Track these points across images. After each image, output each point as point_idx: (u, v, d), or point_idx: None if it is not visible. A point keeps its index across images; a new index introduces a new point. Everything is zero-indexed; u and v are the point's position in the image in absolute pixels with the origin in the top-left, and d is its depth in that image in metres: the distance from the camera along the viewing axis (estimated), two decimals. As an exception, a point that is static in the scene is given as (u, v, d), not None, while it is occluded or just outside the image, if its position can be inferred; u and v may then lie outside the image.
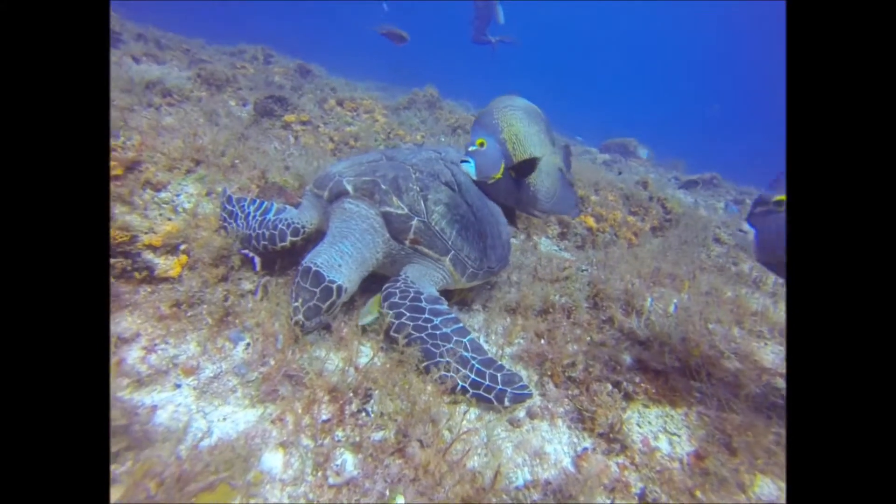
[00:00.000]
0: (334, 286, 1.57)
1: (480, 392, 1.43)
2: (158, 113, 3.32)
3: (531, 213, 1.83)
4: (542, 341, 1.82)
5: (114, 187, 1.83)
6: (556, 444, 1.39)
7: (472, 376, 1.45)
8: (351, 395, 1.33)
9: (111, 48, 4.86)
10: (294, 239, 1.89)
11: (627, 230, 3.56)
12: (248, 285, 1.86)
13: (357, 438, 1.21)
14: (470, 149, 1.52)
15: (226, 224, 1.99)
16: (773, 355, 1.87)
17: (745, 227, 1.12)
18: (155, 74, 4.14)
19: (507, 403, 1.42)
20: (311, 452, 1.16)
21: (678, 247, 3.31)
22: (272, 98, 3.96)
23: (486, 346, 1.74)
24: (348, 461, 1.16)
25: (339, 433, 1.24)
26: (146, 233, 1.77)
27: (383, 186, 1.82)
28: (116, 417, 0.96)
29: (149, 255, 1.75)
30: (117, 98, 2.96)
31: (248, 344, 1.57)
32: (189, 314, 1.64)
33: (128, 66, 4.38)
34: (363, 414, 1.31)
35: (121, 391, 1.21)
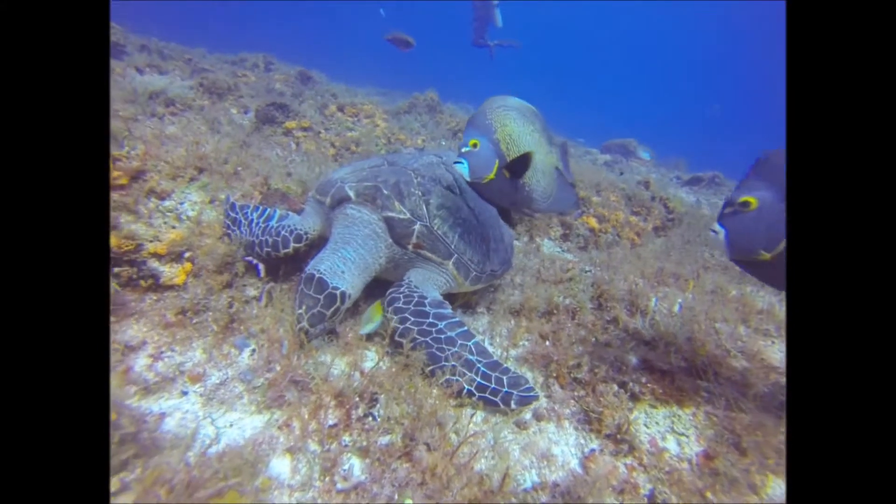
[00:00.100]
0: (338, 292, 1.57)
1: (486, 395, 1.43)
2: (162, 122, 3.36)
3: (525, 213, 1.82)
4: (547, 343, 1.81)
5: (119, 196, 1.84)
6: (563, 446, 1.39)
7: (478, 379, 1.45)
8: (357, 399, 1.33)
9: (115, 60, 4.92)
10: (297, 245, 1.90)
11: (630, 230, 3.55)
12: (252, 292, 1.87)
13: (364, 443, 1.21)
14: (463, 150, 1.52)
15: (229, 231, 2.00)
16: (780, 353, 1.85)
17: (717, 227, 1.16)
18: (158, 84, 4.19)
19: (513, 406, 1.42)
20: (319, 457, 1.16)
21: (681, 246, 3.30)
22: (273, 105, 3.99)
23: (490, 349, 1.74)
24: (356, 466, 1.16)
25: (346, 438, 1.24)
26: (151, 241, 1.78)
27: (385, 191, 1.83)
28: (125, 425, 0.97)
29: (154, 264, 1.76)
30: (121, 109, 2.99)
31: (254, 350, 1.57)
32: (194, 321, 1.65)
33: (131, 77, 4.43)
34: (369, 418, 1.31)
35: (129, 399, 1.21)
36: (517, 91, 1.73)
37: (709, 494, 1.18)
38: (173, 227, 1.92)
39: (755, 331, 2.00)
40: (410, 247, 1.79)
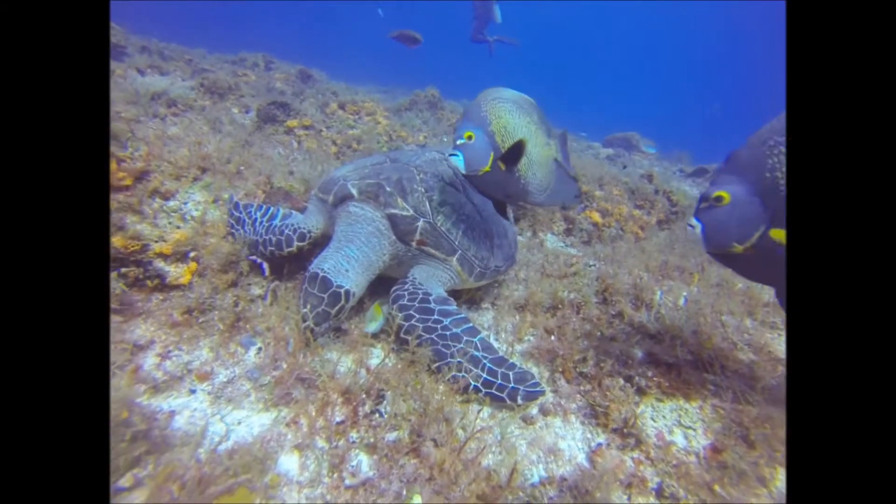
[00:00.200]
0: (342, 291, 1.58)
1: (493, 391, 1.43)
2: (164, 123, 3.36)
3: (521, 206, 1.81)
4: (553, 338, 1.81)
5: (124, 197, 1.85)
6: (569, 441, 1.39)
7: (485, 375, 1.45)
8: (364, 396, 1.34)
9: (117, 61, 4.93)
10: (300, 244, 1.90)
11: (633, 224, 3.53)
12: (257, 290, 1.88)
13: (371, 439, 1.21)
14: (458, 142, 1.51)
15: (233, 230, 2.01)
16: (787, 346, 1.84)
17: (693, 221, 1.19)
18: (160, 85, 4.19)
19: (520, 401, 1.42)
20: (327, 454, 1.17)
21: (685, 239, 3.28)
22: (274, 104, 3.99)
23: (496, 345, 1.74)
24: (363, 462, 1.17)
25: (354, 434, 1.24)
26: (157, 241, 1.79)
27: (388, 188, 1.82)
28: (137, 422, 0.98)
29: (160, 264, 1.77)
30: (124, 110, 3.00)
31: (260, 348, 1.58)
32: (201, 320, 1.66)
33: (133, 79, 4.44)
34: (376, 415, 1.31)
35: (139, 397, 1.22)
36: (517, 89, 1.71)
37: (717, 488, 1.17)
38: (178, 228, 1.92)
39: (762, 323, 1.99)
40: (414, 244, 1.79)
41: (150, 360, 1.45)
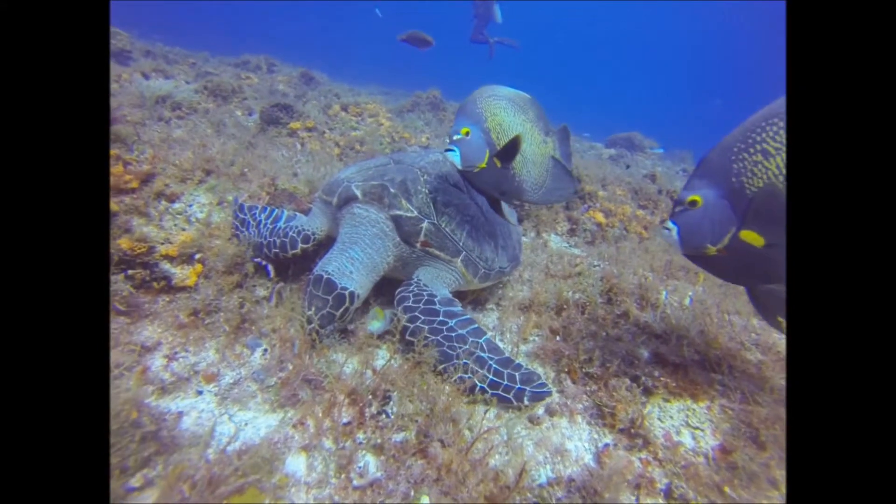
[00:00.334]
0: (346, 293, 1.58)
1: (499, 392, 1.43)
2: (168, 126, 3.38)
3: (516, 204, 1.82)
4: (558, 338, 1.81)
5: (130, 200, 1.86)
6: (576, 441, 1.38)
7: (491, 376, 1.45)
8: (370, 397, 1.34)
9: (122, 66, 4.97)
10: (305, 246, 1.91)
11: (637, 224, 3.52)
12: (262, 292, 1.88)
13: (378, 440, 1.21)
14: (454, 137, 1.51)
15: (238, 232, 2.02)
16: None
17: (669, 225, 1.23)
18: (164, 89, 4.22)
19: (526, 402, 1.42)
20: (334, 455, 1.17)
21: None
22: (277, 106, 4.01)
23: (501, 345, 1.73)
24: (371, 463, 1.17)
25: (361, 435, 1.24)
26: (163, 243, 1.80)
27: (392, 190, 1.83)
28: (146, 423, 0.98)
29: (166, 265, 1.78)
30: (129, 113, 3.02)
31: (266, 350, 1.58)
32: (206, 322, 1.66)
33: (138, 83, 4.47)
34: (383, 416, 1.31)
35: (147, 398, 1.23)
36: (518, 88, 1.71)
37: (727, 489, 1.17)
38: (183, 230, 1.93)
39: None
40: (418, 245, 1.79)
41: (157, 362, 1.45)
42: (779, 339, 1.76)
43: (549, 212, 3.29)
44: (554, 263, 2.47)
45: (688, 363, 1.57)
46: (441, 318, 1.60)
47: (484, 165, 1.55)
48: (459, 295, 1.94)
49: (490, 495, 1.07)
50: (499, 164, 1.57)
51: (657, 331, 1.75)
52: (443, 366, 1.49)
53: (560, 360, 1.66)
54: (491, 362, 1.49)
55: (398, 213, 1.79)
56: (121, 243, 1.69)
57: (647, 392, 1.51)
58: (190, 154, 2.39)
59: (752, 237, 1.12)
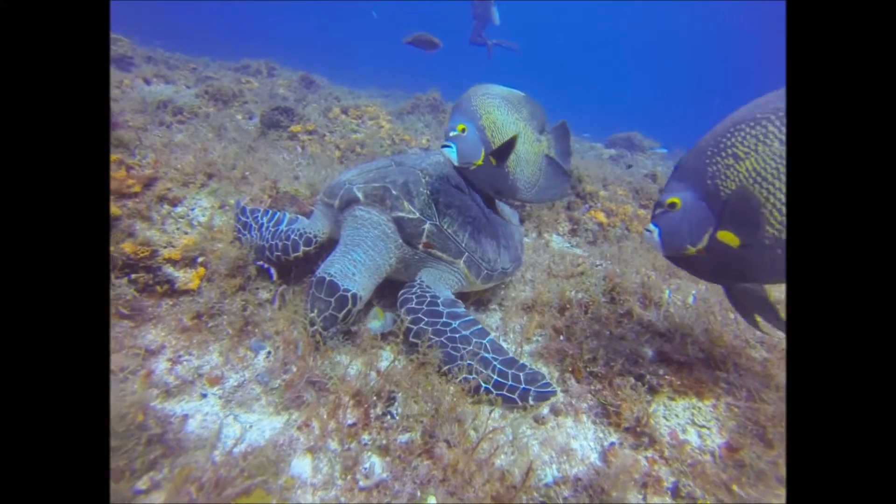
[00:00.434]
0: (349, 295, 1.58)
1: (504, 392, 1.42)
2: (170, 131, 3.40)
3: (509, 202, 1.83)
4: (561, 337, 1.80)
5: (133, 204, 1.87)
6: (581, 440, 1.38)
7: (495, 377, 1.45)
8: (374, 398, 1.34)
9: (124, 72, 5.00)
10: (307, 249, 1.91)
11: (639, 224, 3.52)
12: (265, 294, 1.89)
13: (384, 441, 1.21)
14: (451, 133, 1.52)
15: (240, 235, 2.02)
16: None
17: (651, 227, 1.25)
18: (165, 94, 4.24)
19: (531, 402, 1.41)
20: (339, 456, 1.17)
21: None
22: (278, 110, 4.02)
23: (505, 345, 1.73)
24: (376, 464, 1.16)
25: (366, 437, 1.24)
26: (165, 247, 1.80)
27: (394, 192, 1.83)
28: (152, 426, 0.98)
29: (169, 269, 1.78)
30: (131, 119, 3.04)
31: (269, 352, 1.58)
32: (210, 325, 1.67)
33: (140, 88, 4.50)
34: (388, 417, 1.31)
35: (152, 401, 1.23)
36: (517, 89, 1.72)
37: (735, 487, 1.16)
38: (186, 233, 1.94)
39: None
40: (421, 246, 1.79)
41: (161, 365, 1.45)
42: (784, 337, 1.75)
43: (550, 212, 3.29)
44: (556, 263, 2.47)
45: (692, 361, 1.57)
46: (444, 319, 1.60)
47: (480, 163, 1.55)
48: (462, 296, 1.93)
49: (497, 495, 1.06)
50: (494, 163, 1.58)
51: (661, 329, 1.74)
52: (447, 367, 1.49)
53: (564, 359, 1.66)
54: (495, 363, 1.49)
55: (400, 214, 1.79)
56: (124, 247, 1.69)
57: (652, 391, 1.51)
58: (191, 158, 2.40)
59: (728, 237, 1.16)
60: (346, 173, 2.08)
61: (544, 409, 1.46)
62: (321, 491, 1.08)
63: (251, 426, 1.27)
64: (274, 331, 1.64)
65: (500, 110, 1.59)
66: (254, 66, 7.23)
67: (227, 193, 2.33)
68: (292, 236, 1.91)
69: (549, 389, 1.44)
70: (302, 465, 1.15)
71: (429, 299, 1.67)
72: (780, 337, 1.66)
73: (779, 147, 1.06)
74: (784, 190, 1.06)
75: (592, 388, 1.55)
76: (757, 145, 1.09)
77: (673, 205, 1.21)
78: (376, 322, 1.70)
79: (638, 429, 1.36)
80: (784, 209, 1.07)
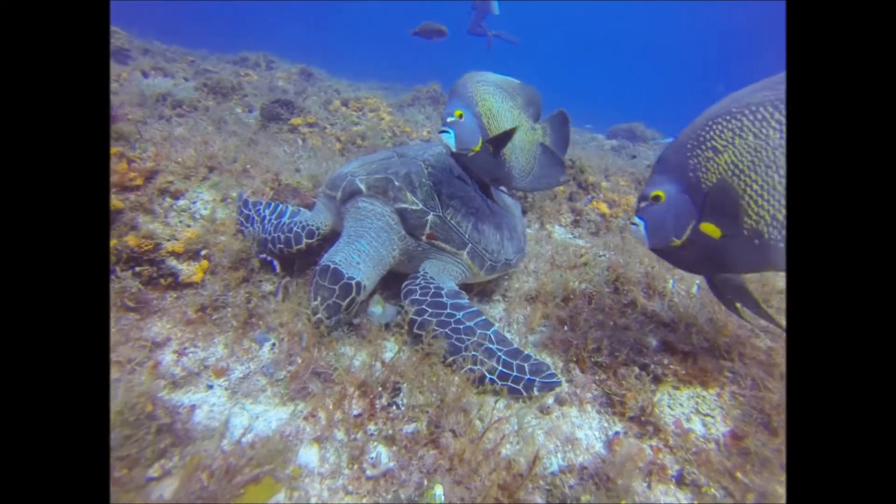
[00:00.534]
0: (353, 283, 1.57)
1: (509, 383, 1.43)
2: (169, 124, 3.38)
3: (503, 189, 1.84)
4: (566, 328, 1.80)
5: (135, 197, 1.86)
6: (586, 430, 1.39)
7: (500, 368, 1.45)
8: (380, 389, 1.34)
9: (121, 64, 4.95)
10: (309, 241, 1.90)
11: (642, 214, 3.50)
12: (268, 287, 1.89)
13: (390, 431, 1.22)
14: (449, 119, 1.51)
15: (243, 228, 2.02)
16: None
17: (636, 220, 1.26)
18: (164, 87, 4.21)
19: (536, 392, 1.42)
20: (346, 446, 1.17)
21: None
22: (278, 102, 3.99)
23: (509, 336, 1.73)
24: (383, 454, 1.17)
25: (372, 427, 1.25)
26: (168, 240, 1.80)
27: (396, 183, 1.82)
28: (161, 416, 0.99)
29: (172, 262, 1.78)
30: (131, 112, 3.02)
31: (274, 344, 1.59)
32: (214, 317, 1.67)
33: (138, 81, 4.46)
34: (394, 407, 1.31)
35: (160, 392, 1.24)
36: (518, 79, 1.71)
37: (739, 475, 1.17)
38: (188, 226, 1.93)
39: (777, 311, 1.96)
40: (424, 238, 1.78)
41: (167, 357, 1.46)
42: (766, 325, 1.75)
43: (552, 203, 3.27)
44: (559, 254, 2.46)
45: (697, 351, 1.57)
46: (449, 310, 1.60)
47: (478, 149, 1.55)
48: (466, 287, 1.93)
49: (503, 483, 1.07)
50: (491, 151, 1.58)
51: (665, 319, 1.74)
52: (452, 357, 1.49)
53: (568, 349, 1.66)
54: (500, 353, 1.49)
55: (403, 205, 1.78)
56: (128, 240, 1.69)
57: (657, 380, 1.51)
58: (192, 151, 2.38)
59: (710, 229, 1.18)
60: (348, 165, 2.06)
61: (549, 399, 1.47)
62: (329, 480, 1.09)
63: (258, 416, 1.28)
64: (278, 323, 1.64)
65: (496, 98, 1.59)
66: (252, 58, 7.16)
67: (228, 186, 2.31)
68: (295, 228, 1.90)
69: (554, 380, 1.45)
70: (309, 455, 1.16)
71: (433, 290, 1.66)
72: (762, 325, 1.67)
73: (753, 140, 1.10)
74: (759, 182, 1.10)
75: (597, 377, 1.56)
76: (734, 139, 1.12)
77: (657, 198, 1.22)
78: (378, 308, 1.69)
79: (642, 418, 1.37)
80: (759, 201, 1.11)
